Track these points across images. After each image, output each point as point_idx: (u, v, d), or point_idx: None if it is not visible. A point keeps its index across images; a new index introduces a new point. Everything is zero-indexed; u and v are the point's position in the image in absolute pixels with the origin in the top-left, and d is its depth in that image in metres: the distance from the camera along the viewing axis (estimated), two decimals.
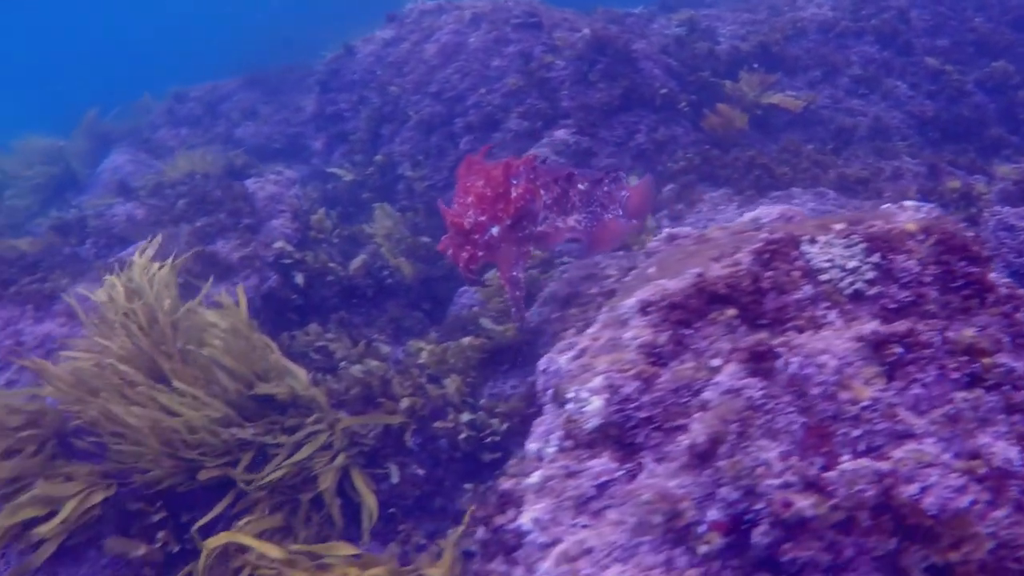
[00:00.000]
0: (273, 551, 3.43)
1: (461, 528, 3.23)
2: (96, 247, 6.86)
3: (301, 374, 4.30)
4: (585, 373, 2.33)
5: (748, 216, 2.88)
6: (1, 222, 8.94)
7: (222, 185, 6.83)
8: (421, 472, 4.60)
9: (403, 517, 4.38)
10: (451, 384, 4.90)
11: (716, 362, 2.09)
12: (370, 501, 4.07)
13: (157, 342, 4.13)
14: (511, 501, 2.06)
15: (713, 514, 1.77)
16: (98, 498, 3.74)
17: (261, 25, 27.39)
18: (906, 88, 8.46)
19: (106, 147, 11.07)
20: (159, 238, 5.03)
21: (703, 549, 1.68)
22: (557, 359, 2.84)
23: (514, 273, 3.65)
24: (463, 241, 3.48)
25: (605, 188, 4.17)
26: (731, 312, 2.22)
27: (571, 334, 3.02)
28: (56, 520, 3.73)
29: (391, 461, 4.46)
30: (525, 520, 1.93)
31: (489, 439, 4.61)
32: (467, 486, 4.59)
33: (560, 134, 6.91)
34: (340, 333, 5.62)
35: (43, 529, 3.67)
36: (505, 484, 2.13)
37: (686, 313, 2.26)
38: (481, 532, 2.27)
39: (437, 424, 4.68)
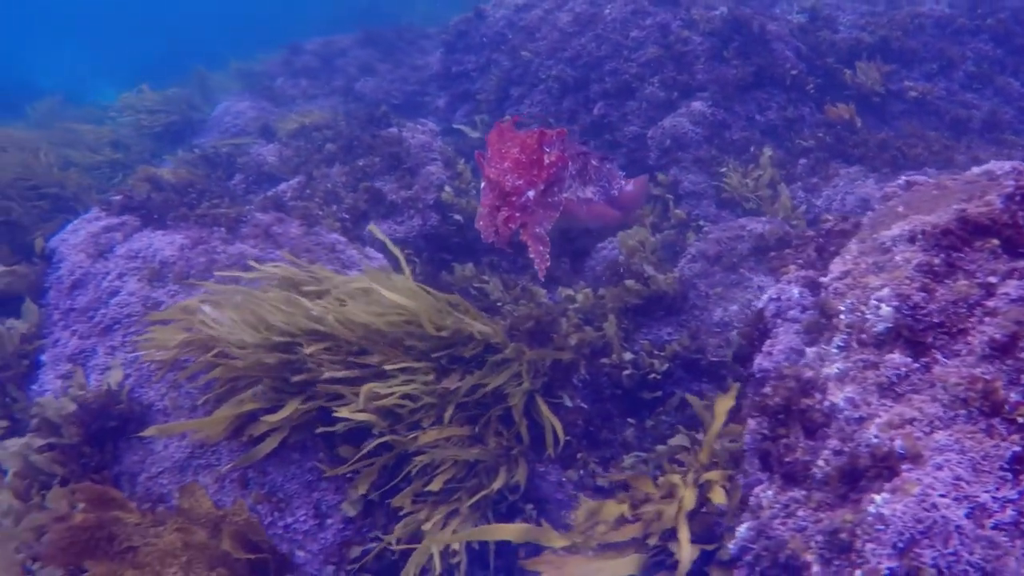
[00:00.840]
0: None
1: (717, 424, 3.44)
2: (246, 182, 7.29)
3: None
4: (855, 290, 2.68)
5: (979, 169, 3.20)
6: (133, 161, 9.39)
7: (372, 131, 7.22)
8: (585, 406, 4.95)
9: (576, 445, 4.74)
10: (610, 326, 5.26)
11: (993, 279, 2.42)
12: (555, 423, 4.41)
13: None
14: (815, 387, 2.41)
15: (1016, 396, 2.11)
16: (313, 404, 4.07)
17: None
18: (1019, 85, 8.65)
19: (210, 97, 11.57)
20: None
21: (1021, 420, 2.03)
22: (789, 288, 3.18)
23: (538, 230, 3.99)
24: (502, 203, 3.84)
25: (608, 167, 4.57)
26: (994, 242, 2.56)
27: (795, 269, 3.35)
28: (281, 415, 4.12)
29: (562, 393, 4.83)
30: (838, 399, 2.29)
31: (652, 377, 4.97)
32: (630, 420, 4.98)
33: (697, 105, 7.22)
34: (492, 275, 6.01)
35: (271, 418, 4.06)
36: (807, 373, 2.48)
37: (955, 240, 2.59)
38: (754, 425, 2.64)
39: (602, 361, 5.06)
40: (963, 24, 9.08)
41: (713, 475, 2.98)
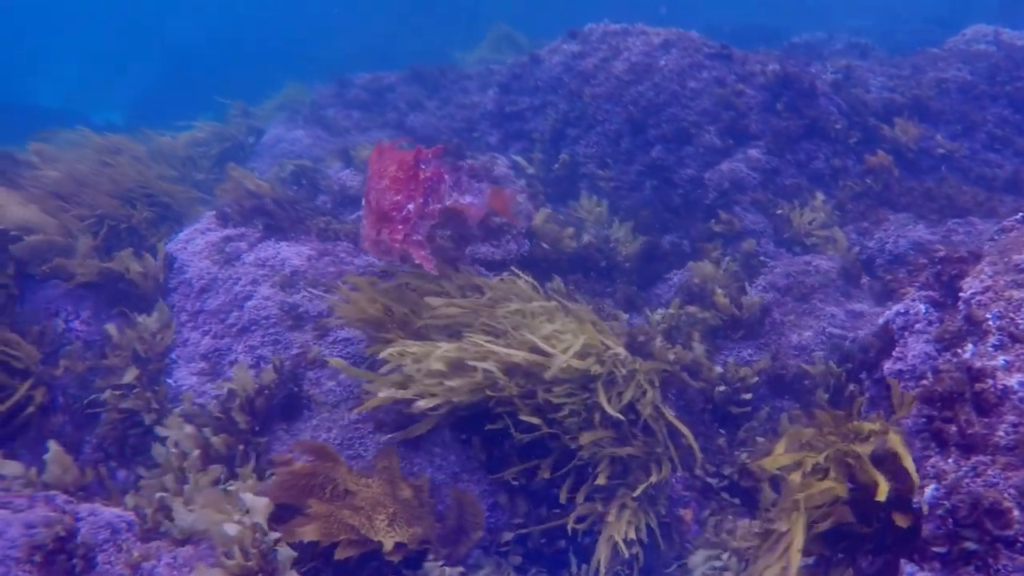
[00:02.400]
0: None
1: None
2: (332, 202, 7.70)
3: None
4: (999, 302, 3.17)
5: None
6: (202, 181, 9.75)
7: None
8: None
9: None
10: (697, 346, 5.73)
11: None
12: (685, 430, 4.78)
13: None
14: (984, 375, 2.87)
15: None
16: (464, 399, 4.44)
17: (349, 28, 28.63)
18: None
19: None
20: None
21: None
22: (916, 305, 3.67)
23: (416, 238, 4.56)
24: (386, 222, 4.39)
25: (478, 184, 5.24)
26: None
27: (914, 290, 3.85)
28: (432, 401, 4.45)
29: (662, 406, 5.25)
30: (1011, 382, 2.76)
31: (744, 396, 5.42)
32: (721, 431, 5.43)
33: (753, 152, 7.79)
34: (580, 296, 6.46)
35: (421, 404, 4.42)
36: (977, 363, 2.94)
37: None
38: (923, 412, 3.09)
39: (693, 376, 5.51)
40: (984, 90, 9.82)
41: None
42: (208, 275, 5.59)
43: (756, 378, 5.45)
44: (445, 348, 4.15)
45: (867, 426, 2.94)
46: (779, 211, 7.31)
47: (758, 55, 8.99)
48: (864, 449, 2.87)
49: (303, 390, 4.84)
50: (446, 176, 4.75)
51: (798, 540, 2.89)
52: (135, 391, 4.97)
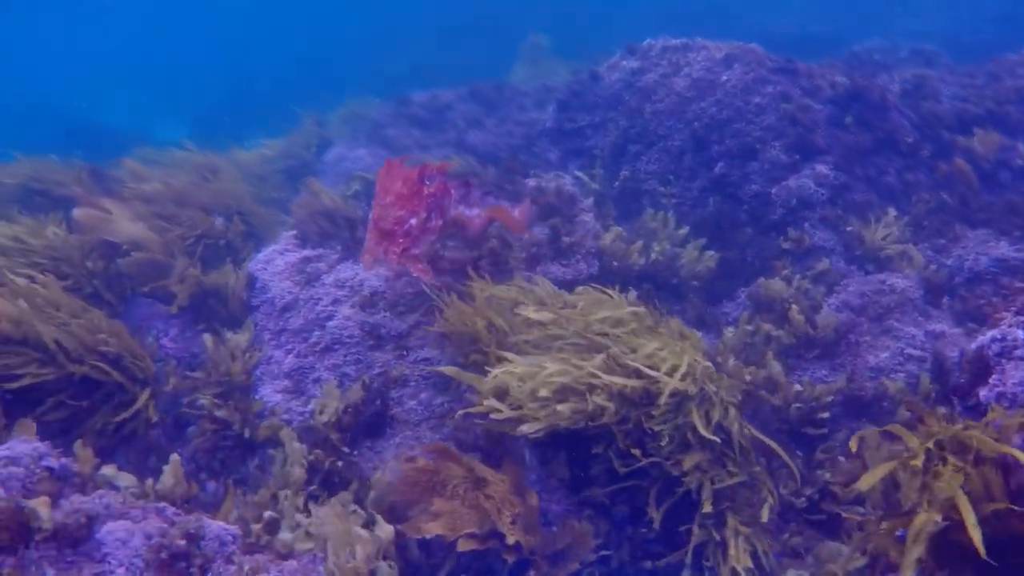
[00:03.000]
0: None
1: None
2: None
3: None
4: None
5: None
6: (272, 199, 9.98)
7: (511, 179, 7.77)
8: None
9: None
10: (773, 364, 5.70)
11: None
12: (781, 451, 4.77)
13: None
14: None
15: None
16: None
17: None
18: None
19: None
20: None
21: None
22: (1013, 331, 3.65)
23: (415, 251, 4.61)
24: (389, 237, 4.44)
25: (492, 199, 5.22)
26: None
27: (1010, 316, 3.82)
28: (536, 426, 4.50)
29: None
30: None
31: (820, 415, 5.38)
32: (798, 453, 5.39)
33: (820, 168, 7.74)
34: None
35: (525, 429, 4.47)
36: None
37: None
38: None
39: (766, 396, 5.49)
40: None
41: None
42: (290, 295, 5.73)
43: (832, 398, 5.41)
44: (551, 371, 4.18)
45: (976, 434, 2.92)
46: (849, 228, 7.25)
47: (823, 68, 8.93)
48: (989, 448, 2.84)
49: (386, 409, 4.94)
50: (452, 191, 4.88)
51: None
52: (228, 404, 5.12)
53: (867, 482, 3.27)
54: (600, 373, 4.17)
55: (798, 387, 5.50)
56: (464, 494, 4.01)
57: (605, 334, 4.60)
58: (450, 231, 5.40)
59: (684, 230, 7.61)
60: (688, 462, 4.22)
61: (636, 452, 4.25)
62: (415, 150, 11.08)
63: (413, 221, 4.47)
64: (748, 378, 5.36)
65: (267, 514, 3.77)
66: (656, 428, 4.18)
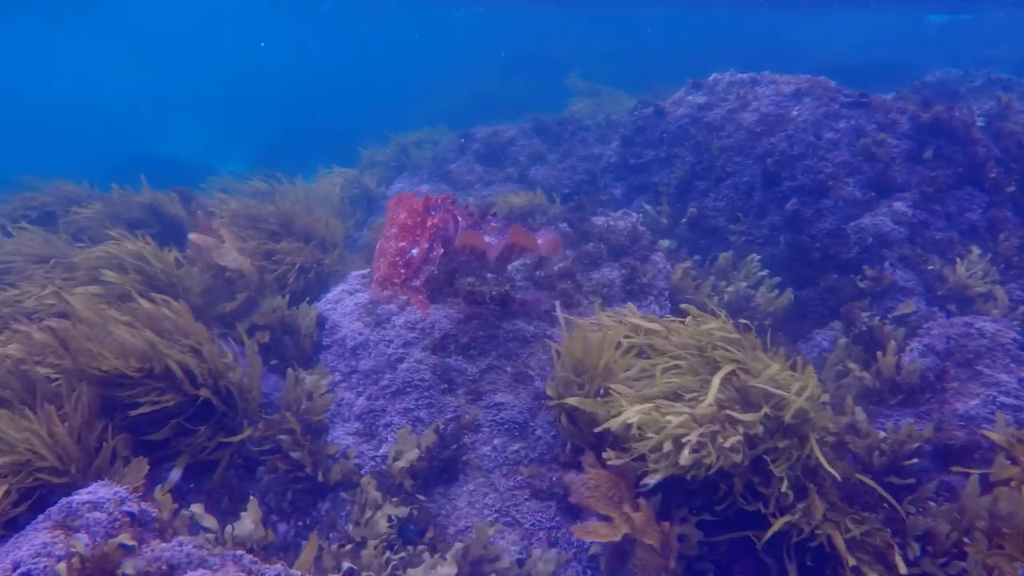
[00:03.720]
0: None
1: None
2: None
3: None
4: None
5: None
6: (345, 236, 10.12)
7: (579, 216, 7.70)
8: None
9: None
10: (858, 411, 5.48)
11: None
12: (890, 497, 4.59)
13: None
14: None
15: None
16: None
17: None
18: None
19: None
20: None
21: None
22: None
23: (415, 283, 4.52)
24: (392, 269, 4.32)
25: (515, 225, 5.10)
26: None
27: None
28: (656, 477, 4.37)
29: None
30: None
31: (908, 462, 5.14)
32: (883, 504, 5.15)
33: (898, 205, 7.51)
34: None
35: (649, 481, 4.38)
36: None
37: None
38: None
39: (851, 441, 5.27)
40: None
41: None
42: (360, 336, 5.72)
43: (919, 445, 5.17)
44: (677, 424, 4.06)
45: None
46: (930, 267, 7.00)
47: (898, 100, 8.72)
48: None
49: (459, 455, 4.87)
50: (459, 220, 4.85)
51: None
52: (302, 445, 5.11)
53: None
54: (737, 415, 4.03)
55: (882, 433, 5.28)
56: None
57: (715, 348, 4.49)
58: (464, 258, 5.36)
59: (759, 269, 7.45)
60: (820, 509, 4.06)
61: (755, 502, 4.09)
62: (477, 185, 11.13)
63: (415, 252, 4.48)
64: (832, 427, 5.16)
65: (346, 565, 3.72)
66: (777, 470, 4.01)
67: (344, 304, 6.18)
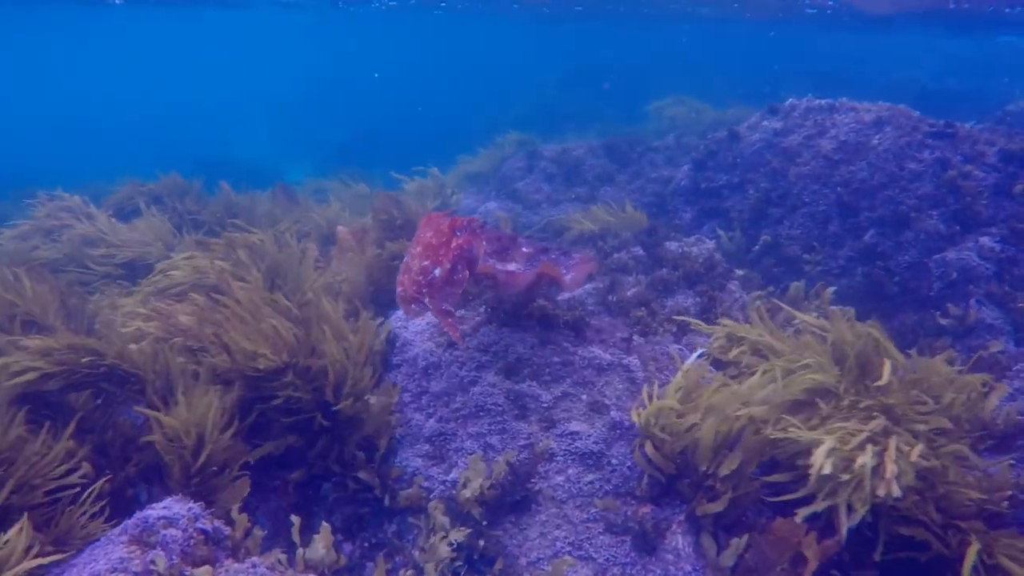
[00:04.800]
0: None
1: None
2: None
3: None
4: None
5: None
6: None
7: (652, 241, 7.58)
8: None
9: None
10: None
11: None
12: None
13: None
14: None
15: None
16: None
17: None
18: None
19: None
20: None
21: None
22: None
23: (445, 307, 4.40)
24: (416, 287, 4.35)
25: (553, 256, 4.98)
26: None
27: None
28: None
29: None
30: None
31: (994, 509, 4.90)
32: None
33: (985, 240, 7.24)
34: None
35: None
36: None
37: None
38: None
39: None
40: None
41: None
42: (432, 356, 5.69)
43: (1011, 492, 4.93)
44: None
45: None
46: (1021, 305, 6.72)
47: (985, 131, 8.43)
48: None
49: (531, 484, 4.79)
50: (484, 243, 4.76)
51: None
52: (370, 466, 5.08)
53: None
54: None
55: (970, 478, 5.04)
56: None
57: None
58: (486, 284, 5.28)
59: (832, 300, 7.23)
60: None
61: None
62: (545, 205, 11.08)
63: (437, 272, 4.42)
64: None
65: None
66: None
67: (415, 322, 6.16)
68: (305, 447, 5.12)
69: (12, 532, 3.78)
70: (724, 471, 4.47)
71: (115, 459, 4.70)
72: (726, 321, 5.48)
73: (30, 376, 4.53)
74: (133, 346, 4.98)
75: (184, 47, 53.92)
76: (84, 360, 4.70)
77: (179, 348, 5.31)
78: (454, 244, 4.43)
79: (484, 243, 4.82)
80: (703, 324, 5.70)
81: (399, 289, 4.80)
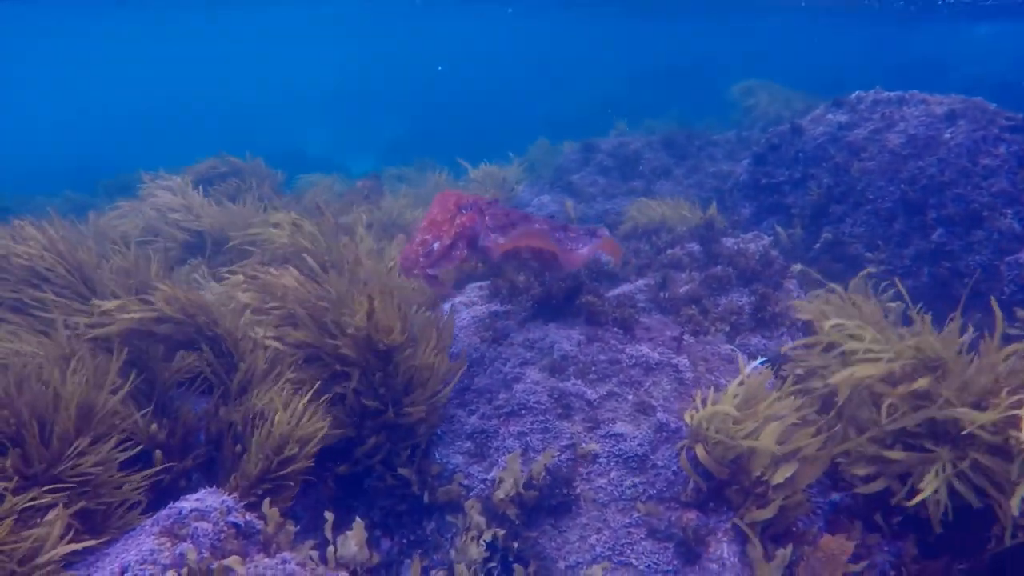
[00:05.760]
0: None
1: None
2: (587, 277, 7.56)
3: None
4: None
5: None
6: None
7: (710, 237, 7.35)
8: None
9: None
10: None
11: None
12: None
13: None
14: None
15: None
16: None
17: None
18: None
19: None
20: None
21: None
22: None
23: (430, 271, 4.51)
24: (414, 257, 4.43)
25: (571, 233, 4.85)
26: None
27: None
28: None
29: None
30: None
31: None
32: None
33: None
34: None
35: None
36: None
37: None
38: None
39: None
40: None
41: None
42: (475, 352, 5.60)
43: None
44: None
45: None
46: None
47: None
48: None
49: (572, 485, 4.66)
50: (487, 222, 4.76)
51: None
52: (411, 462, 5.01)
53: None
54: None
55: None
56: None
57: None
58: (481, 258, 5.22)
59: (892, 300, 6.91)
60: None
61: None
62: (600, 198, 10.89)
63: (436, 246, 4.48)
64: None
65: None
66: None
67: (461, 316, 6.07)
68: (356, 440, 5.06)
69: (52, 515, 3.80)
70: (778, 479, 4.28)
71: (174, 449, 4.70)
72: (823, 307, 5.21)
73: (148, 314, 4.54)
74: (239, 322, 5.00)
75: (249, 43, 54.94)
76: (201, 319, 4.72)
77: (275, 319, 5.29)
78: (457, 221, 4.48)
79: (489, 220, 4.81)
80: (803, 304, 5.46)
81: (400, 259, 4.83)
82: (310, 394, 4.62)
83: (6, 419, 3.78)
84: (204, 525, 3.82)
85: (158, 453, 4.30)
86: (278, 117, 40.97)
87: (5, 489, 3.61)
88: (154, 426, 4.37)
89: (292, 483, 4.48)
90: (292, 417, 4.42)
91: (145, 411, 4.51)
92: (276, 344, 4.94)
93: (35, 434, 3.83)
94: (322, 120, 40.69)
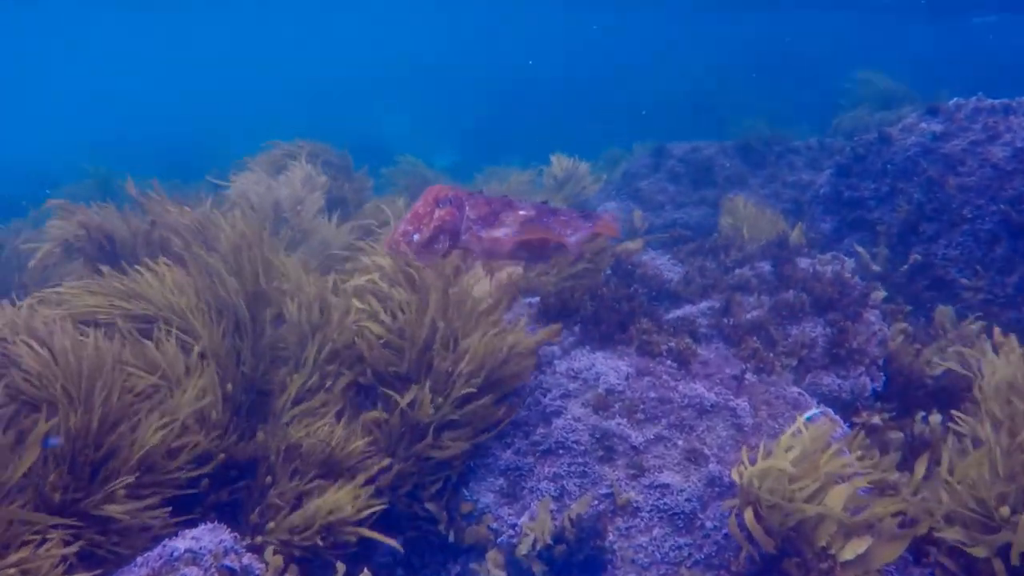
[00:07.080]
0: None
1: None
2: (647, 295, 6.98)
3: None
4: None
5: None
6: None
7: (783, 258, 6.72)
8: None
9: None
10: None
11: None
12: None
13: None
14: None
15: None
16: None
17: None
18: None
19: None
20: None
21: None
22: None
23: (404, 250, 4.25)
24: (398, 243, 4.20)
25: (563, 217, 4.25)
26: None
27: None
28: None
29: None
30: None
31: None
32: None
33: None
34: None
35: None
36: None
37: None
38: None
39: None
40: None
41: None
42: None
43: None
44: None
45: None
46: None
47: None
48: None
49: (607, 540, 4.15)
50: (467, 214, 4.36)
51: None
52: (440, 498, 4.62)
53: None
54: None
55: None
56: None
57: None
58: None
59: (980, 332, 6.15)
60: None
61: None
62: (668, 207, 10.30)
63: (416, 237, 4.19)
64: None
65: None
66: None
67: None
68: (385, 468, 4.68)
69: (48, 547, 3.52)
70: (847, 554, 3.69)
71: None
72: None
73: None
74: None
75: (328, 28, 55.62)
76: None
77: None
78: (436, 215, 4.21)
79: (470, 211, 4.44)
80: None
81: (385, 244, 4.58)
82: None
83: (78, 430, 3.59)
84: (194, 571, 3.47)
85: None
86: (353, 104, 41.11)
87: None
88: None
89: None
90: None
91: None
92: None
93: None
94: (399, 107, 40.72)
